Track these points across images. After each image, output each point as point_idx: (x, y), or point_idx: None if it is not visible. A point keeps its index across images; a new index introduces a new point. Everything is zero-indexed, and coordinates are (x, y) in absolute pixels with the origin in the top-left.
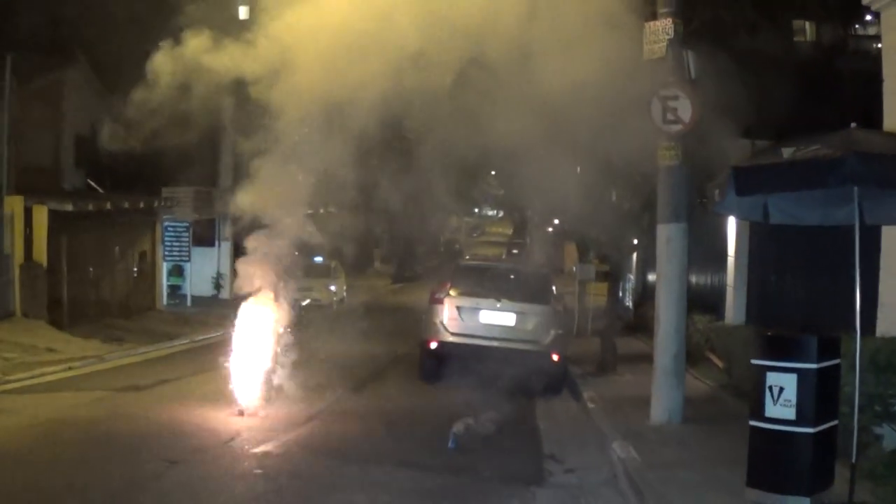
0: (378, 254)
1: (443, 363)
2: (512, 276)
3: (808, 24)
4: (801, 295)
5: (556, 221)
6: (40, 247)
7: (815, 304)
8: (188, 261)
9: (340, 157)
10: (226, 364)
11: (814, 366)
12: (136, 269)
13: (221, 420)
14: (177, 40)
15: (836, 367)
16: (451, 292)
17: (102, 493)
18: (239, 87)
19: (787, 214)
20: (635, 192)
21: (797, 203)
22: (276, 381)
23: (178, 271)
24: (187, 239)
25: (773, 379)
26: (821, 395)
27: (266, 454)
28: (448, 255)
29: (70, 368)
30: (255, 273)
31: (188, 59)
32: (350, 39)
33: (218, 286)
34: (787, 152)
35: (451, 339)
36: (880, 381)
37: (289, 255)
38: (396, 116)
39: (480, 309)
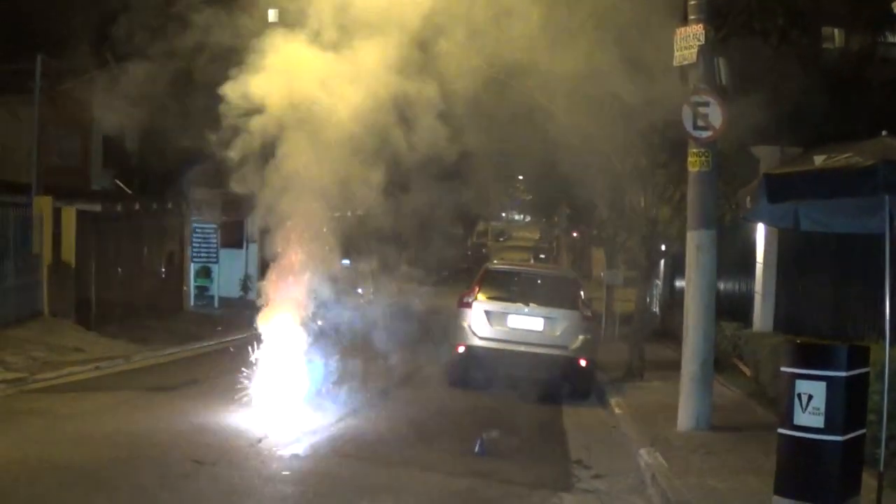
0: (406, 257)
1: (470, 367)
2: (540, 281)
3: (836, 32)
4: (829, 303)
5: (584, 226)
6: (69, 247)
7: (843, 312)
8: (216, 262)
9: (370, 162)
10: (253, 365)
11: (843, 374)
12: (163, 270)
13: (249, 422)
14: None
15: (865, 375)
16: (480, 296)
17: (130, 494)
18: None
19: (818, 222)
20: (664, 196)
21: (828, 211)
22: (303, 383)
23: (205, 273)
24: (215, 241)
25: (802, 387)
26: (850, 404)
27: (294, 456)
28: (475, 259)
29: (97, 368)
30: (282, 276)
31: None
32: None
33: (245, 288)
34: (818, 160)
35: (479, 343)
36: None
37: (316, 258)
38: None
39: (509, 313)
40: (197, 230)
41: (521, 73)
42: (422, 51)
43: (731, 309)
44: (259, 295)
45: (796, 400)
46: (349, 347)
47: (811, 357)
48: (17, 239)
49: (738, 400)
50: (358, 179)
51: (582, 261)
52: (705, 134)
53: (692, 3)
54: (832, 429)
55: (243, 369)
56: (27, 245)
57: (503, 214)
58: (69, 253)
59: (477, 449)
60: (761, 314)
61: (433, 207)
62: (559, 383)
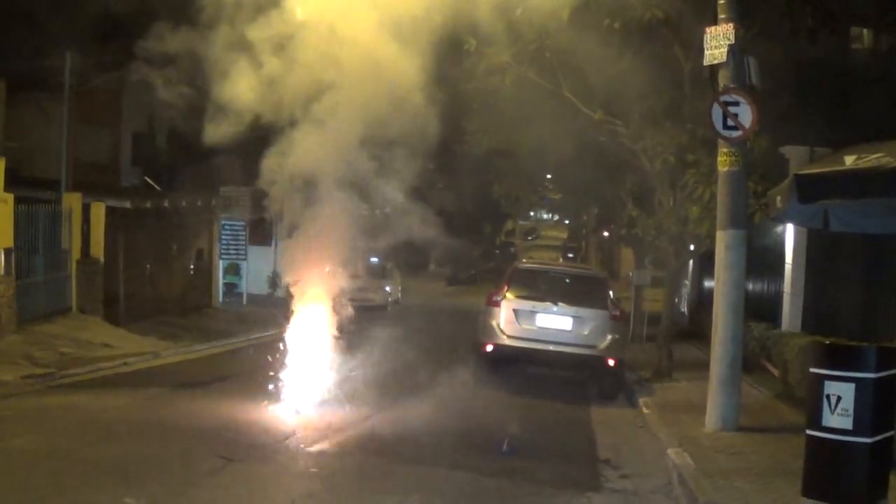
0: (433, 256)
1: (498, 366)
2: (569, 281)
3: (865, 32)
4: (858, 303)
5: (612, 226)
6: (98, 243)
7: (872, 312)
8: (245, 259)
9: (396, 157)
10: (281, 362)
11: (872, 375)
12: (192, 267)
13: (277, 418)
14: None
15: (894, 377)
16: (508, 295)
17: (158, 489)
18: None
19: (848, 222)
20: (693, 196)
21: (858, 211)
22: (331, 380)
23: (234, 270)
24: (244, 238)
25: (830, 388)
26: (878, 406)
27: (321, 453)
28: (503, 258)
29: (125, 364)
30: (307, 272)
31: (248, 57)
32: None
33: (274, 285)
34: (848, 160)
35: (507, 341)
36: None
37: (343, 255)
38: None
39: (537, 312)
40: (226, 227)
41: (550, 70)
42: (452, 47)
43: (760, 309)
44: (286, 292)
45: (825, 401)
46: (377, 345)
47: (840, 358)
48: (47, 235)
49: (766, 401)
50: (386, 175)
51: (610, 260)
52: (735, 133)
53: (722, 2)
54: (860, 430)
55: (271, 366)
56: (56, 241)
57: (531, 213)
58: (98, 249)
59: (505, 448)
60: (790, 314)
61: (462, 206)
62: (587, 383)
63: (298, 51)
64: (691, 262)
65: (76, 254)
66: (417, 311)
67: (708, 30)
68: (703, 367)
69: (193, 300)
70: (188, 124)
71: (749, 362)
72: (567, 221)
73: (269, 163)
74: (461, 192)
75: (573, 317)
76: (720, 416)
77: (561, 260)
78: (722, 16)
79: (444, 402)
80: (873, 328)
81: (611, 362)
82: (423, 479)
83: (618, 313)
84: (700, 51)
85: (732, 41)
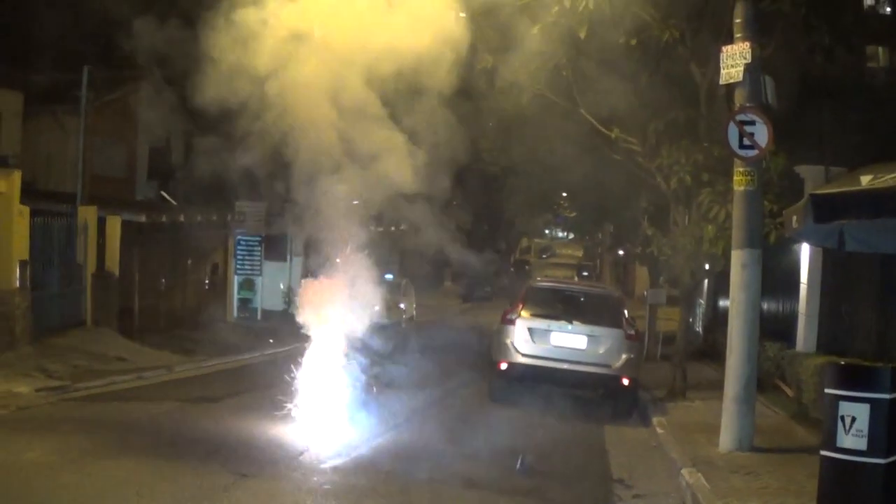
0: (448, 273)
1: (512, 384)
2: (583, 299)
3: (881, 50)
4: (873, 324)
5: (628, 244)
6: (113, 257)
7: (888, 333)
8: (259, 275)
9: (414, 174)
10: (295, 378)
11: (887, 396)
12: (207, 282)
13: (291, 434)
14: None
15: None
16: (523, 313)
17: None
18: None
19: (863, 242)
20: (709, 215)
21: (874, 231)
22: (345, 396)
23: (249, 285)
24: (259, 253)
25: (845, 409)
26: (893, 427)
27: (336, 470)
28: (518, 275)
29: (140, 378)
30: (324, 289)
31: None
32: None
33: (288, 300)
34: (864, 180)
35: (521, 360)
36: None
37: (358, 272)
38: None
39: (552, 331)
40: (241, 242)
41: (566, 88)
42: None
43: (775, 329)
44: (299, 308)
45: (839, 422)
46: (391, 362)
47: (855, 379)
48: (62, 248)
49: (781, 421)
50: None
51: (625, 279)
52: (751, 153)
53: (738, 21)
54: (875, 451)
55: (285, 382)
56: (71, 254)
57: (546, 231)
58: (113, 262)
59: (518, 466)
60: (805, 335)
61: (477, 223)
62: (601, 402)
63: (313, 61)
64: (706, 281)
65: (91, 267)
66: (432, 329)
67: (724, 49)
68: (717, 386)
69: (208, 315)
70: (204, 138)
71: (764, 382)
72: (582, 239)
73: (285, 177)
74: (477, 210)
75: (588, 335)
76: (734, 437)
77: (576, 278)
78: (738, 35)
79: (458, 419)
80: (888, 349)
81: (625, 381)
82: (437, 497)
83: (633, 332)
84: (716, 69)
85: (749, 60)
